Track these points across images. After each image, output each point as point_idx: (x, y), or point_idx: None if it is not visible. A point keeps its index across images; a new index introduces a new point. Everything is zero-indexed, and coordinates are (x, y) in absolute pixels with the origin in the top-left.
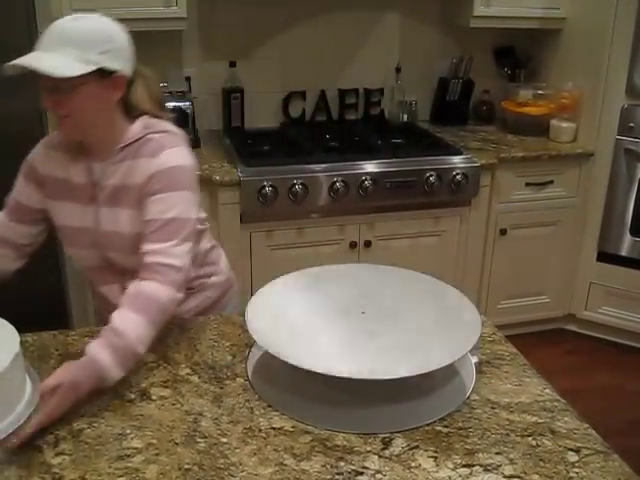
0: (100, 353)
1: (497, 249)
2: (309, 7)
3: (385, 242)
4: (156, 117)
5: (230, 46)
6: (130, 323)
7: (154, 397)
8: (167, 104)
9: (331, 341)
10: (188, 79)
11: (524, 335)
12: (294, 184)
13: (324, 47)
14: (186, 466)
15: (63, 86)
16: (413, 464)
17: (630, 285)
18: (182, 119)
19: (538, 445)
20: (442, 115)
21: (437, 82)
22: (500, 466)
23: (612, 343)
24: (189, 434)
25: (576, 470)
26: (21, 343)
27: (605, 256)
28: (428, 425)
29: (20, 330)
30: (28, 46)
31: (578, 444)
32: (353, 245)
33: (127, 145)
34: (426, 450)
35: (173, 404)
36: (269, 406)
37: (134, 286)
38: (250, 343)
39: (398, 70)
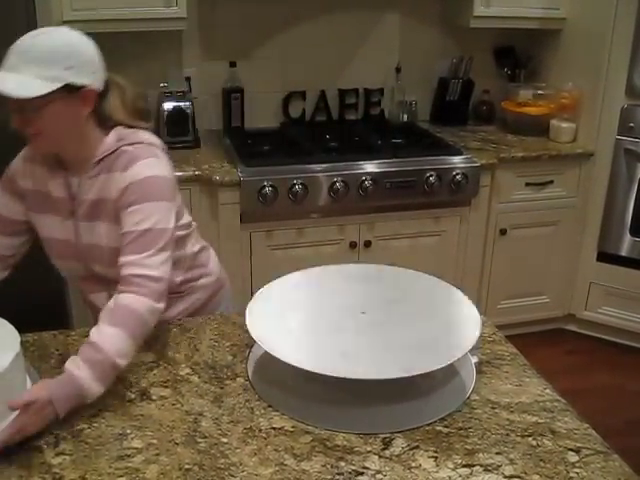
0: (78, 369)
1: (497, 249)
2: (309, 7)
3: (385, 242)
4: (131, 127)
5: (230, 46)
6: (108, 337)
7: (154, 397)
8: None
9: (331, 341)
10: (188, 79)
11: (524, 335)
12: (294, 184)
13: (324, 47)
14: (186, 466)
15: (29, 106)
16: (413, 464)
17: (630, 285)
18: (182, 119)
19: (538, 445)
20: (442, 115)
21: (437, 82)
22: (500, 466)
23: (612, 343)
24: (189, 434)
25: (576, 470)
26: (21, 343)
27: (605, 256)
28: (428, 425)
29: (20, 330)
30: None
31: (578, 444)
32: (353, 245)
33: (102, 159)
34: (426, 450)
35: (173, 404)
36: (269, 406)
37: (112, 300)
38: (250, 343)
39: (398, 70)
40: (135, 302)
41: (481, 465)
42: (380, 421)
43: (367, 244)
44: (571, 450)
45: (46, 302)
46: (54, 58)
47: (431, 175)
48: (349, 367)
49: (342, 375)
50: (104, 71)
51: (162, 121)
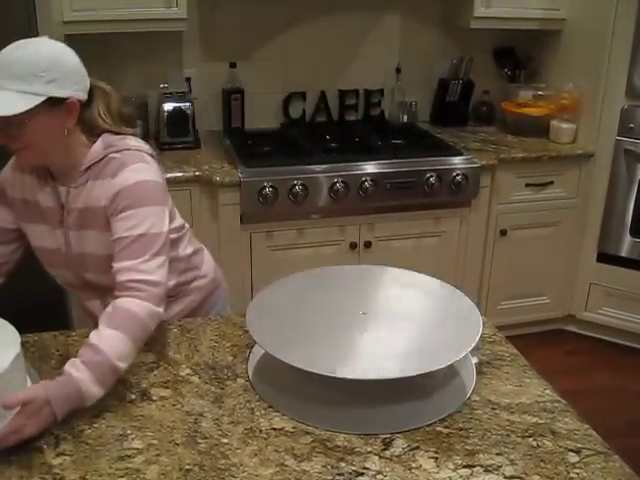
0: (77, 370)
1: (497, 250)
2: (309, 8)
3: (385, 243)
4: (118, 133)
5: (230, 47)
6: (108, 339)
7: (155, 398)
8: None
9: (331, 342)
10: (188, 80)
11: (524, 336)
12: (294, 185)
13: (324, 48)
14: (187, 467)
15: (13, 122)
16: (414, 465)
17: (630, 286)
18: (182, 120)
19: (539, 446)
20: (442, 116)
21: (437, 83)
22: (501, 467)
23: (612, 344)
24: (190, 435)
25: (577, 471)
26: (21, 344)
27: (605, 257)
28: (429, 426)
29: (21, 331)
30: None
31: (579, 445)
32: (353, 246)
33: (89, 167)
34: (427, 451)
35: (174, 405)
36: (270, 407)
37: (111, 304)
38: (251, 344)
39: (398, 71)
40: (135, 306)
41: (481, 466)
42: (380, 422)
43: (367, 245)
44: (571, 451)
45: (46, 303)
46: (35, 72)
47: (431, 176)
48: (349, 367)
49: (342, 376)
50: (87, 79)
51: (162, 122)
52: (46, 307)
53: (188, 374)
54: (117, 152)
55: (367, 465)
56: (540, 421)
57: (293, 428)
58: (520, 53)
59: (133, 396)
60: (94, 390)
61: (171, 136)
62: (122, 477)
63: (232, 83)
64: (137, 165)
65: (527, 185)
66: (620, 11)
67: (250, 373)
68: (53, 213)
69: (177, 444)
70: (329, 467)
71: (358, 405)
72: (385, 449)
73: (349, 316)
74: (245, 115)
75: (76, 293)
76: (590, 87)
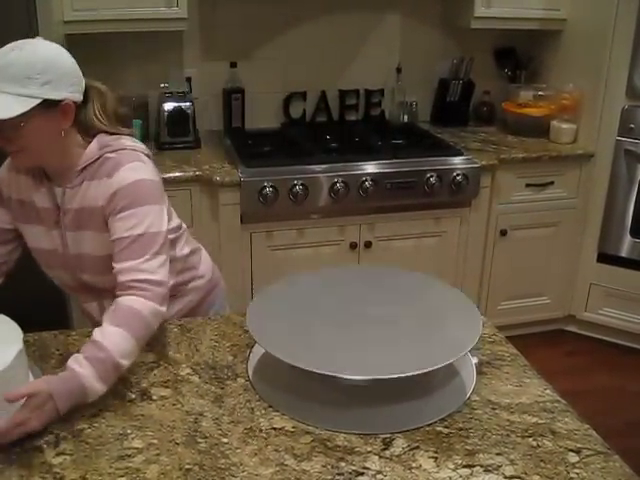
0: (80, 366)
1: (497, 250)
2: (310, 8)
3: (385, 243)
4: (114, 134)
5: (231, 47)
6: (111, 336)
7: (155, 397)
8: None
9: (332, 341)
10: (189, 80)
11: (524, 336)
12: (294, 185)
13: (325, 48)
14: (187, 466)
15: (8, 125)
16: (414, 464)
17: (630, 286)
18: (183, 120)
19: (539, 446)
20: (442, 116)
21: (437, 83)
22: (501, 467)
23: (612, 344)
24: (190, 434)
25: (577, 471)
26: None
27: (605, 257)
28: (429, 426)
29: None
30: None
31: (579, 445)
32: (353, 246)
33: (85, 167)
34: (427, 450)
35: (174, 404)
36: (270, 406)
37: (114, 303)
38: (251, 343)
39: (399, 71)
40: (138, 304)
41: (481, 465)
42: (380, 421)
43: (367, 245)
44: (571, 451)
45: (46, 302)
46: (30, 75)
47: (431, 176)
48: (349, 367)
49: (342, 375)
50: (82, 80)
51: (163, 122)
52: (46, 307)
53: (188, 374)
54: (113, 152)
55: (367, 465)
56: (540, 421)
57: (293, 428)
58: (521, 53)
59: (133, 395)
60: (97, 386)
61: (171, 136)
62: (122, 476)
63: (232, 83)
64: (133, 164)
65: (527, 185)
66: (620, 11)
67: (250, 373)
68: (49, 214)
69: (177, 443)
70: (329, 467)
71: (358, 405)
72: (385, 449)
73: (349, 316)
74: (245, 115)
75: (74, 295)
76: (590, 87)
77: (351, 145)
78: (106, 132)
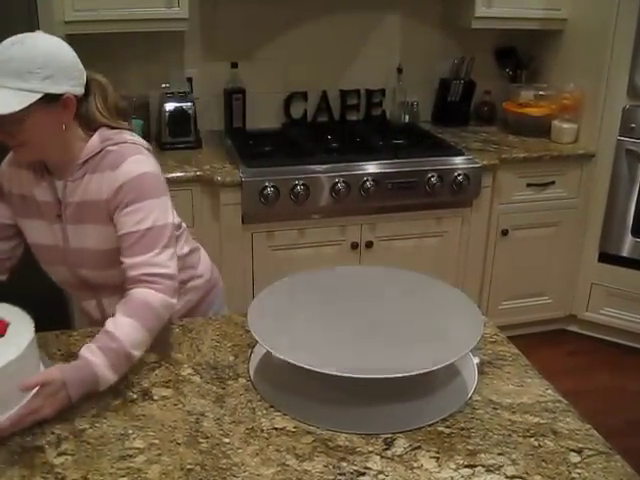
0: (93, 355)
1: (498, 250)
2: (311, 8)
3: (386, 243)
4: (115, 128)
5: (232, 47)
6: (123, 327)
7: (156, 397)
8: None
9: (333, 341)
10: (190, 80)
11: (526, 336)
12: (295, 185)
13: (326, 48)
14: (188, 466)
15: (9, 119)
16: (415, 464)
17: (631, 286)
18: (184, 120)
19: (540, 446)
20: (443, 116)
21: (438, 83)
22: (502, 467)
23: (613, 344)
24: (191, 434)
25: (578, 471)
26: None
27: (606, 257)
28: (430, 425)
29: None
30: None
31: (580, 445)
32: (354, 246)
33: (87, 160)
34: (428, 450)
35: (175, 404)
36: (271, 406)
37: (126, 294)
38: (252, 343)
39: (399, 71)
40: (150, 296)
41: (483, 465)
42: (382, 421)
43: (368, 245)
44: (573, 451)
45: (47, 302)
46: (30, 70)
47: (432, 176)
48: (350, 367)
49: (344, 375)
50: (84, 73)
51: (164, 122)
52: (47, 307)
53: (190, 374)
54: (114, 145)
55: (368, 465)
56: (542, 421)
57: (294, 428)
58: (521, 53)
59: (135, 396)
60: (108, 375)
61: (172, 136)
62: (123, 477)
63: (233, 83)
64: (137, 157)
65: (528, 185)
66: (621, 10)
67: (251, 373)
68: (50, 208)
69: (178, 444)
70: (330, 467)
71: (359, 405)
72: (386, 449)
73: (350, 316)
74: (246, 115)
75: (72, 293)
76: (591, 87)
77: (352, 145)
78: (107, 126)
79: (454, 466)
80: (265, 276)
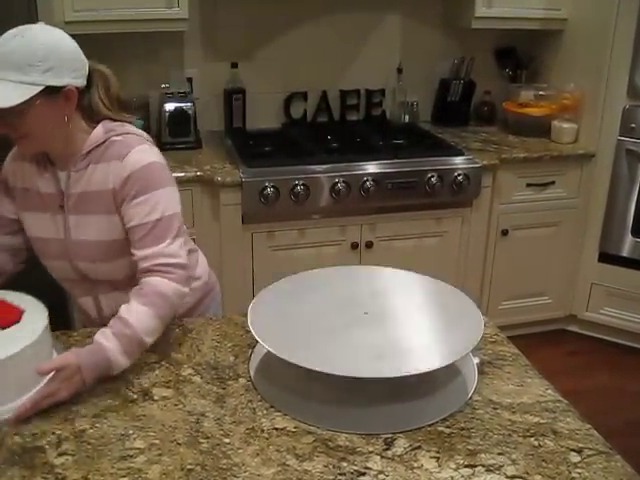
0: (107, 340)
1: (498, 250)
2: (311, 8)
3: (387, 243)
4: (118, 120)
5: (232, 47)
6: (137, 314)
7: (156, 397)
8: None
9: (333, 341)
10: (190, 80)
11: (526, 336)
12: (295, 185)
13: (325, 48)
14: (189, 466)
15: (12, 112)
16: (415, 464)
17: (631, 286)
18: (184, 120)
19: (540, 446)
20: (443, 116)
21: (438, 83)
22: (502, 466)
23: (613, 344)
24: (192, 434)
25: (578, 471)
26: None
27: (606, 257)
28: (430, 425)
29: None
30: None
31: (580, 445)
32: (354, 246)
33: (90, 151)
34: (428, 450)
35: (175, 404)
36: (271, 406)
37: (141, 282)
38: (252, 343)
39: (399, 71)
40: (164, 285)
41: (483, 465)
42: (382, 421)
43: (369, 245)
44: (573, 450)
45: (48, 303)
46: (31, 62)
47: (432, 176)
48: (350, 366)
49: (344, 374)
50: (86, 65)
51: (164, 122)
52: (47, 307)
53: (190, 374)
54: (118, 135)
55: (369, 465)
56: (542, 421)
57: (295, 428)
58: (521, 53)
59: (135, 396)
60: (121, 360)
61: (172, 136)
62: (124, 477)
63: (233, 83)
64: (143, 146)
65: (528, 185)
66: (621, 10)
67: (252, 373)
68: (53, 199)
69: (179, 444)
70: (331, 467)
71: (360, 405)
72: (387, 449)
73: (351, 316)
74: (246, 115)
75: (70, 289)
76: (591, 87)
77: (352, 145)
78: (110, 119)
79: (454, 466)
80: (265, 276)
